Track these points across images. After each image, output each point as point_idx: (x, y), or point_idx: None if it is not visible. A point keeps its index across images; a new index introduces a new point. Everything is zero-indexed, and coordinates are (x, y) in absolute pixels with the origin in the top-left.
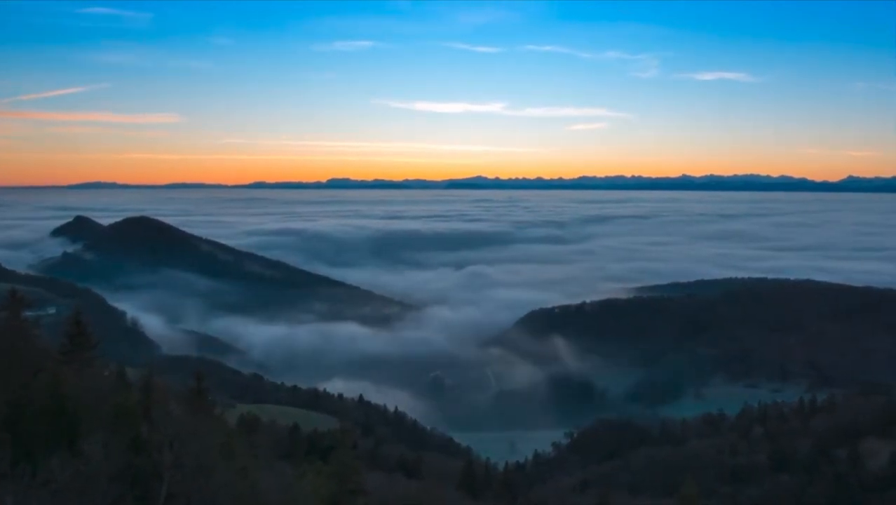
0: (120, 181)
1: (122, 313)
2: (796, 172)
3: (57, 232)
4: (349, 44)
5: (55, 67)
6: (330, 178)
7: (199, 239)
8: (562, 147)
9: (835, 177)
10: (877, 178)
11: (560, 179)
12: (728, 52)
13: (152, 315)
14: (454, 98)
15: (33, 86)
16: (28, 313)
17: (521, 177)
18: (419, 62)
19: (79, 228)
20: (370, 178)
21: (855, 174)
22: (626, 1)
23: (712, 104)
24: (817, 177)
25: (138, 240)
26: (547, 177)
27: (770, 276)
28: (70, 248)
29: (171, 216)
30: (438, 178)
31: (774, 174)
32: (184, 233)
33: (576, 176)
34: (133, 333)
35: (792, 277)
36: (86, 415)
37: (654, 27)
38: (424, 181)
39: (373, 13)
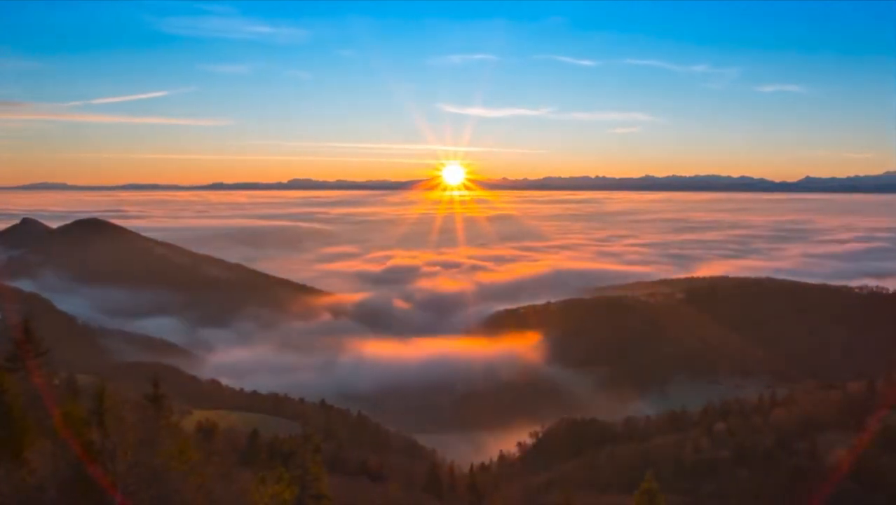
0: (69, 182)
1: (73, 318)
2: (756, 173)
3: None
4: (464, 57)
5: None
6: (292, 178)
7: (153, 241)
8: (557, 149)
9: (793, 177)
10: (832, 179)
11: (524, 180)
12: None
13: (105, 320)
14: (508, 104)
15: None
16: None
17: (486, 178)
18: (513, 72)
19: (25, 231)
20: (333, 178)
21: (812, 175)
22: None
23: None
24: (776, 177)
25: (88, 242)
26: (512, 178)
27: (732, 274)
28: (16, 252)
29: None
30: (403, 179)
31: (735, 174)
32: (137, 235)
33: (540, 177)
34: (84, 339)
35: (752, 276)
36: (32, 423)
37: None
38: (388, 182)
39: (496, 25)
